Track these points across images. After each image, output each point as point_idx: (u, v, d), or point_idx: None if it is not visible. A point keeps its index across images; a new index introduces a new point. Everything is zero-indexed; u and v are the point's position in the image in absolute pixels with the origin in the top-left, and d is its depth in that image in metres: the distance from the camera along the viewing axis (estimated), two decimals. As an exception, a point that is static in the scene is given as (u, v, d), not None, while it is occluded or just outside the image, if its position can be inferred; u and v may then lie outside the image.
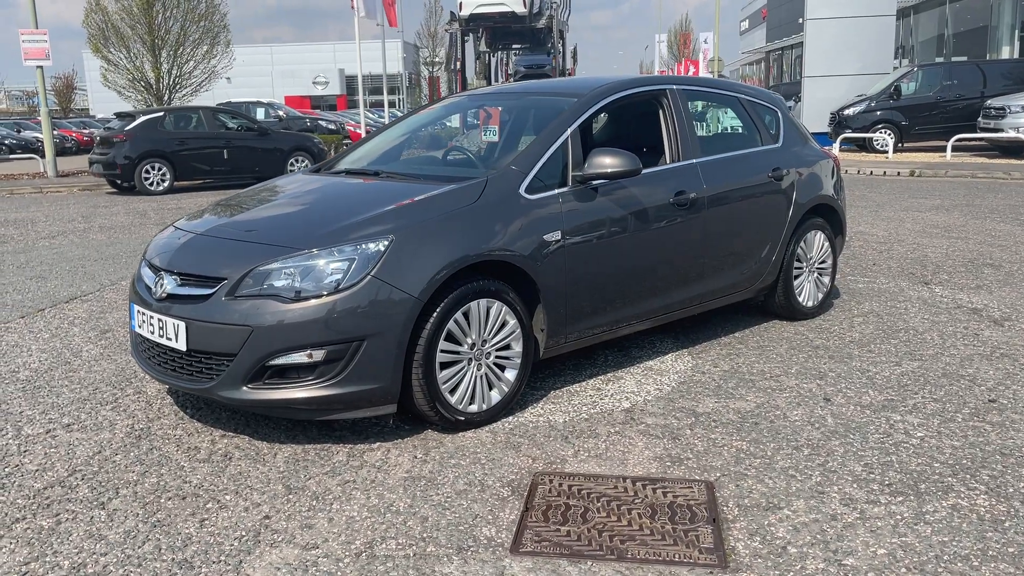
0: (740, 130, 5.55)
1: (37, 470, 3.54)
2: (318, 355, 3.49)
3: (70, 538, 2.97)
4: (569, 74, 33.03)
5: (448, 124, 5.48)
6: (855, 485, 3.27)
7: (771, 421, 3.94)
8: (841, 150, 20.81)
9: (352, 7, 21.51)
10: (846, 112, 21.09)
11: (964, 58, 27.41)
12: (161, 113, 16.27)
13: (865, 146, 20.99)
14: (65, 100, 76.90)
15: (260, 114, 26.26)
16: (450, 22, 25.66)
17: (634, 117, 5.47)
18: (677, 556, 2.80)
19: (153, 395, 4.42)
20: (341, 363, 3.51)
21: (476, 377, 3.87)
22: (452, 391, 3.79)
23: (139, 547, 2.90)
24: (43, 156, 20.17)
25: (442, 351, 3.72)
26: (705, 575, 2.70)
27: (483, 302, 3.83)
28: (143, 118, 15.76)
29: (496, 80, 31.84)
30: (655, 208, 4.57)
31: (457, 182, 4.09)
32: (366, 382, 3.55)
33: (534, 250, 4.00)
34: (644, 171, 4.58)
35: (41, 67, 18.09)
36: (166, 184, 15.65)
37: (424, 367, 3.65)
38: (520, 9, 22.84)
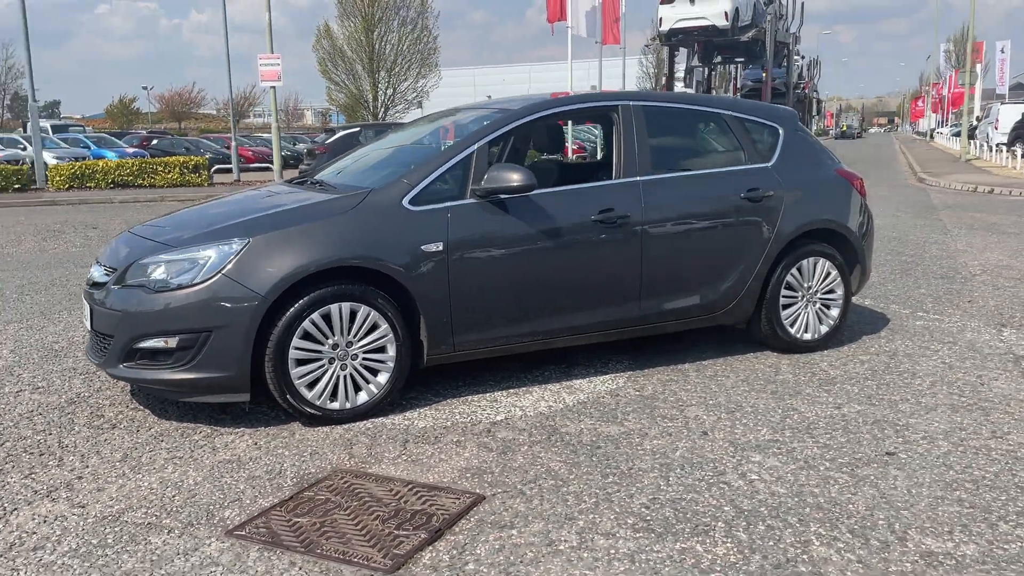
0: (716, 148, 5.26)
1: (-30, 421, 4.25)
2: (172, 342, 3.89)
3: (-75, 474, 3.58)
4: (804, 87, 31.56)
5: (414, 140, 5.67)
6: (613, 517, 3.12)
7: (618, 447, 3.79)
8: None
9: (552, 33, 22.03)
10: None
11: None
12: (358, 128, 17.80)
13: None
14: (352, 115, 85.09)
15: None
16: (652, 38, 25.54)
17: (556, 134, 5.39)
18: (356, 557, 2.87)
19: (124, 371, 5.05)
20: (192, 351, 3.88)
21: (339, 376, 4.08)
22: (310, 386, 4.03)
23: (-38, 488, 3.45)
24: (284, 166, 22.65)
25: (298, 348, 3.97)
26: (357, 574, 2.75)
27: (346, 305, 4.03)
28: (341, 132, 17.36)
29: (718, 93, 31.07)
30: (571, 225, 4.51)
31: (345, 193, 4.34)
32: (215, 370, 3.90)
33: (409, 259, 4.14)
34: (568, 188, 4.63)
35: (274, 87, 20.43)
36: (359, 193, 17.08)
37: (274, 361, 3.93)
38: (721, 22, 22.14)
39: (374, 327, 4.12)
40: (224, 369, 3.89)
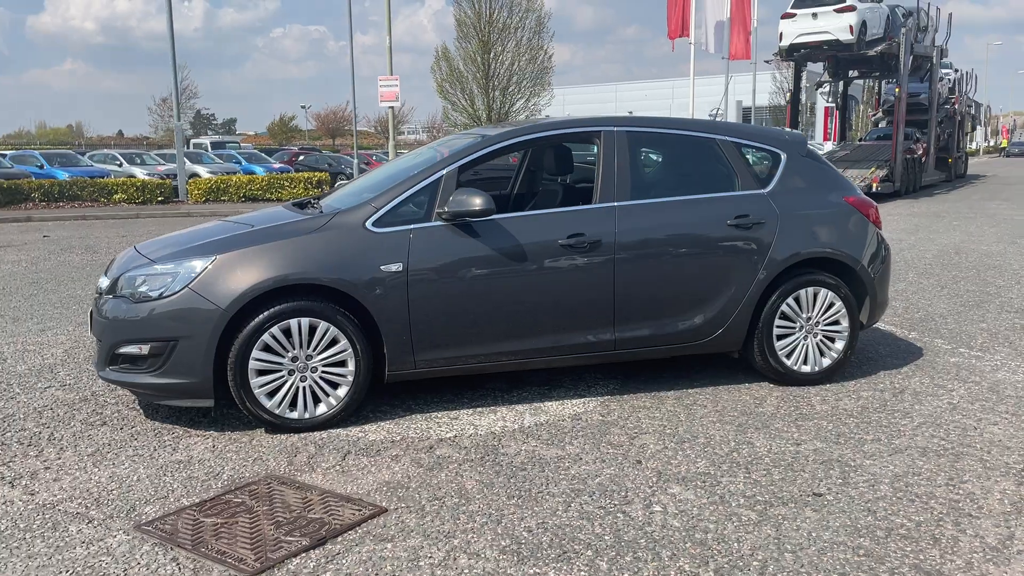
0: (705, 174, 5.16)
1: (-10, 412, 4.76)
2: (145, 349, 4.24)
3: (-76, 457, 4.06)
4: (954, 103, 29.72)
5: (413, 163, 5.82)
6: (491, 538, 3.18)
7: (543, 470, 3.83)
8: None
9: (673, 48, 21.76)
10: None
11: None
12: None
13: None
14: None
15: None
16: (775, 53, 24.70)
17: (563, 157, 5.40)
18: (231, 558, 3.06)
19: (144, 373, 5.50)
20: (161, 358, 4.22)
21: (299, 388, 4.32)
22: (270, 395, 4.28)
23: (-55, 471, 3.90)
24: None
25: (257, 359, 4.23)
26: (224, 574, 2.95)
27: (305, 320, 4.27)
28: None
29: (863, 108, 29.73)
30: (537, 249, 4.57)
31: (315, 215, 4.59)
32: (181, 376, 4.22)
33: (368, 278, 4.33)
34: (539, 212, 4.76)
35: (392, 107, 21.30)
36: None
37: (235, 370, 4.21)
38: (845, 36, 21.13)
39: (334, 342, 4.33)
40: (189, 376, 4.21)
